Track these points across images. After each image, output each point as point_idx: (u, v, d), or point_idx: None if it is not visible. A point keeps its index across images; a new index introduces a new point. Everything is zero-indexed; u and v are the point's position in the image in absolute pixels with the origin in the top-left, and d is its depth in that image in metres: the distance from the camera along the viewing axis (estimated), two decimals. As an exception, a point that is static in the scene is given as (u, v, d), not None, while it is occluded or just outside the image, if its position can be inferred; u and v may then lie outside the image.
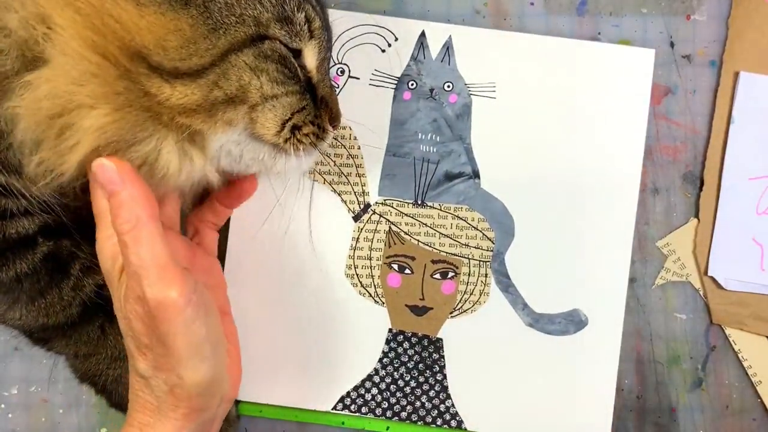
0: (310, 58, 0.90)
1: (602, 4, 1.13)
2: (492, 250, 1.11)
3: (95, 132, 0.80)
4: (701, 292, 1.12)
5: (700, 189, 1.12)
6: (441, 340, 1.10)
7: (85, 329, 0.99)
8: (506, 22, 1.13)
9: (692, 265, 1.12)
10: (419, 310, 1.10)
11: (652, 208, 1.12)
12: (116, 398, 1.02)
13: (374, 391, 1.10)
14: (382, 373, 1.10)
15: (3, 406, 1.10)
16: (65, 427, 1.11)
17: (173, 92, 0.81)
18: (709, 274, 1.12)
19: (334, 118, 0.95)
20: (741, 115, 1.12)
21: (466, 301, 1.10)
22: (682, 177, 1.13)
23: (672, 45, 1.13)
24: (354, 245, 1.10)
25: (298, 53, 0.89)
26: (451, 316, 1.10)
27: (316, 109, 0.91)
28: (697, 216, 1.12)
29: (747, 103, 1.12)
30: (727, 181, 1.11)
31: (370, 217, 1.10)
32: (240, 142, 0.89)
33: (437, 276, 1.11)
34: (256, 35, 0.84)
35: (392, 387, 1.10)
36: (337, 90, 1.11)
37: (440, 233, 1.10)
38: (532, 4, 1.14)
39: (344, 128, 1.11)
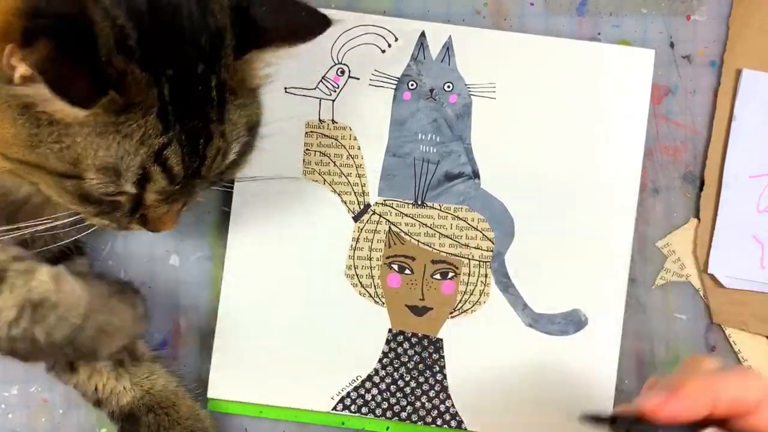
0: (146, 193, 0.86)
1: (602, 4, 1.13)
2: (492, 251, 1.11)
3: None
4: (701, 293, 1.12)
5: (700, 189, 1.12)
6: (441, 340, 1.10)
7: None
8: (506, 22, 1.13)
9: (692, 266, 1.12)
10: (419, 311, 1.10)
11: (652, 208, 1.12)
12: None
13: (374, 391, 1.10)
14: (382, 373, 1.10)
15: (3, 406, 1.10)
16: (65, 427, 1.11)
17: None
18: (709, 271, 1.12)
19: (150, 230, 0.92)
20: (742, 113, 1.12)
21: (466, 302, 1.10)
22: (682, 177, 1.13)
23: (672, 45, 1.13)
24: (354, 245, 1.10)
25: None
26: (451, 317, 1.10)
27: (126, 219, 0.89)
28: (697, 216, 1.12)
29: (748, 101, 1.12)
30: (727, 179, 1.12)
31: (370, 218, 1.11)
32: None
33: (437, 276, 1.11)
34: (66, 174, 0.81)
35: (392, 387, 1.10)
36: (337, 90, 1.11)
37: (440, 233, 1.11)
38: (532, 4, 1.14)
39: (344, 128, 1.11)
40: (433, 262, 1.11)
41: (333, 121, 1.11)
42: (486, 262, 1.11)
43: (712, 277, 1.12)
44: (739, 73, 1.13)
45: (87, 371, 1.04)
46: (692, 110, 1.13)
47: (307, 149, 1.11)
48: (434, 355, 1.10)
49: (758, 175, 1.12)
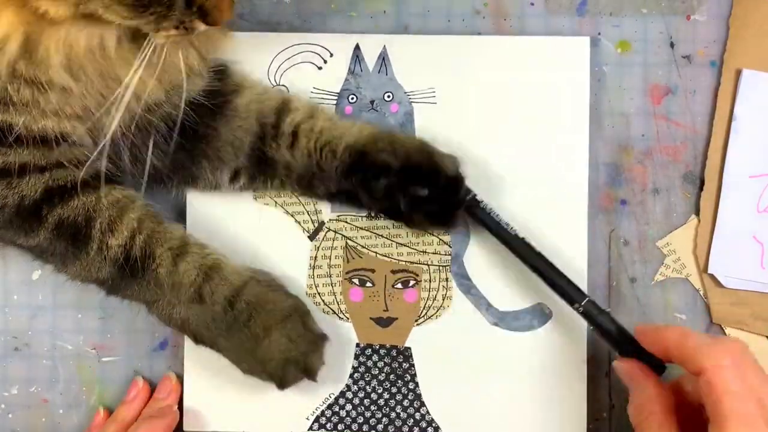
0: None
1: (602, 4, 1.13)
2: (450, 254, 1.11)
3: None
4: (701, 292, 1.12)
5: (701, 189, 1.12)
6: (409, 348, 1.11)
7: (135, 281, 1.02)
8: (506, 22, 1.14)
9: (692, 265, 1.12)
10: (384, 322, 1.11)
11: (652, 208, 1.13)
12: (197, 337, 1.06)
13: (348, 407, 1.11)
14: (354, 388, 1.11)
15: (3, 406, 1.13)
16: (65, 427, 1.14)
17: None
18: (709, 271, 1.12)
19: (211, 23, 0.92)
20: (742, 113, 1.12)
21: (429, 308, 1.11)
22: (682, 177, 1.13)
23: (672, 45, 1.13)
24: (313, 264, 1.11)
25: None
26: (417, 324, 1.11)
27: (187, 18, 0.89)
28: (697, 215, 1.12)
29: (749, 101, 1.12)
30: (727, 179, 1.11)
31: (325, 235, 1.11)
32: None
33: (398, 286, 1.11)
34: None
35: (366, 401, 1.11)
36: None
37: (397, 243, 1.11)
38: (532, 4, 1.14)
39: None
40: (393, 272, 1.11)
41: (277, 143, 1.13)
42: (445, 266, 1.11)
43: (712, 276, 1.12)
44: (739, 73, 1.12)
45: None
46: (692, 110, 1.13)
47: (254, 173, 1.13)
48: (404, 364, 1.11)
49: (758, 175, 1.11)
